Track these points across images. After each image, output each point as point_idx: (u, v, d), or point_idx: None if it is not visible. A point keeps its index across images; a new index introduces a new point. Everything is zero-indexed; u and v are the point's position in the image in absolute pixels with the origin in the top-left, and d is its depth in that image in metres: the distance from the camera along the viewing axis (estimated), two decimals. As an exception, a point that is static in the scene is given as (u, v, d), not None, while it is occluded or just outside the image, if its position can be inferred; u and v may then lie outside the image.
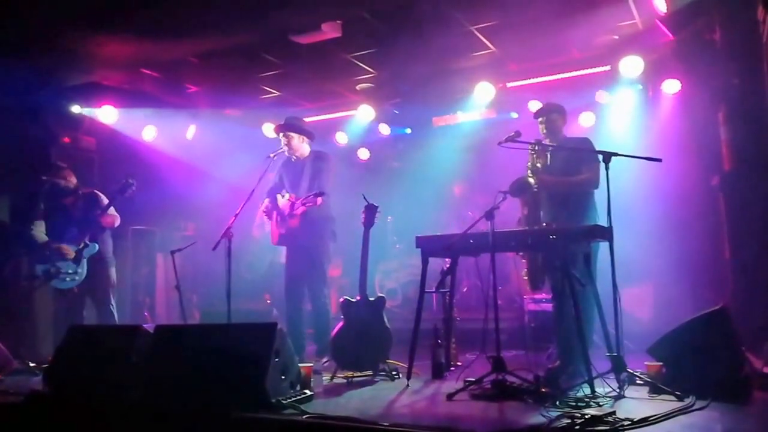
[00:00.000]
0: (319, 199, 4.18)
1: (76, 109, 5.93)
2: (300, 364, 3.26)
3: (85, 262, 4.61)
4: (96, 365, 3.24)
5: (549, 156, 3.80)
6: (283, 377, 2.99)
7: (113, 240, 4.94)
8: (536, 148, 3.74)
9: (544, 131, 3.86)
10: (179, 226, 7.07)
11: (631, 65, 5.30)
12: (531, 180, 3.67)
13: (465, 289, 6.01)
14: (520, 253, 3.76)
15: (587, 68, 5.66)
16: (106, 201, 4.75)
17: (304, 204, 4.20)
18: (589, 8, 4.54)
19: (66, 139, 5.80)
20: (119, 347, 3.28)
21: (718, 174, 5.04)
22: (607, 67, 5.52)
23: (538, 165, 3.74)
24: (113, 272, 4.85)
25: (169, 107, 6.41)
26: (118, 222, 4.83)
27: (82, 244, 4.60)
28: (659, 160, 3.29)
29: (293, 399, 2.94)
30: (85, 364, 3.29)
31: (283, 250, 4.66)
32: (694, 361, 3.11)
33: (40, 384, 3.47)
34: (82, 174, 5.68)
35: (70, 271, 4.58)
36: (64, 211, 4.74)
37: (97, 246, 4.65)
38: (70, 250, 4.59)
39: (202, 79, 6.04)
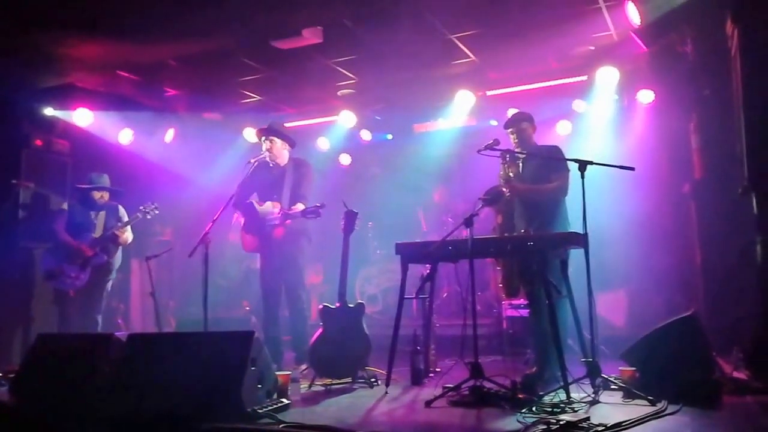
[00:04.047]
0: (298, 211, 4.17)
1: (49, 111, 5.80)
2: (277, 373, 3.24)
3: (89, 270, 4.81)
4: (65, 375, 3.15)
5: (521, 165, 3.86)
6: (259, 386, 2.96)
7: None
8: (507, 157, 3.80)
9: (515, 141, 3.91)
10: (155, 231, 6.95)
11: (607, 76, 5.41)
12: (504, 189, 3.72)
13: (445, 295, 6.04)
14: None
15: (565, 78, 5.75)
16: (126, 217, 5.03)
17: (304, 215, 4.14)
18: (566, 19, 4.60)
19: (38, 142, 5.67)
20: (90, 356, 3.20)
21: (689, 182, 5.18)
22: (584, 77, 5.62)
23: (510, 174, 3.79)
24: (110, 285, 5.05)
25: (146, 110, 6.32)
26: (130, 240, 5.08)
27: (93, 253, 4.81)
28: (632, 169, 3.37)
29: (269, 408, 2.92)
30: (53, 374, 3.19)
31: (258, 256, 4.61)
32: (665, 366, 3.19)
33: (6, 395, 3.37)
34: (54, 178, 5.63)
35: (72, 275, 4.77)
36: (85, 218, 4.96)
37: (105, 257, 4.87)
38: (88, 250, 4.79)
39: (181, 82, 5.95)
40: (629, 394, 3.09)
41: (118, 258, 5.07)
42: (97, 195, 5.00)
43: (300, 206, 4.25)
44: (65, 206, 5.03)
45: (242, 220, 4.49)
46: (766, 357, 3.41)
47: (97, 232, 4.92)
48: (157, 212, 5.06)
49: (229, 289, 6.77)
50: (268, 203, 4.34)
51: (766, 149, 3.56)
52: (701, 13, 4.37)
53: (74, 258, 4.80)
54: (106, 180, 5.10)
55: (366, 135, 7.09)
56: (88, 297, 4.88)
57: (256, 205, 4.39)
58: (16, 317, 5.34)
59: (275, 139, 4.46)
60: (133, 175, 6.18)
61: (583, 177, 3.34)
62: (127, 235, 5.02)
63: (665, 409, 2.84)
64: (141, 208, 5.02)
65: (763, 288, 3.59)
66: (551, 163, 3.73)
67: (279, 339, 4.37)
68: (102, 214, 5.00)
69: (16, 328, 5.33)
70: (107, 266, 4.94)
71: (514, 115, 4.10)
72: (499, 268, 3.81)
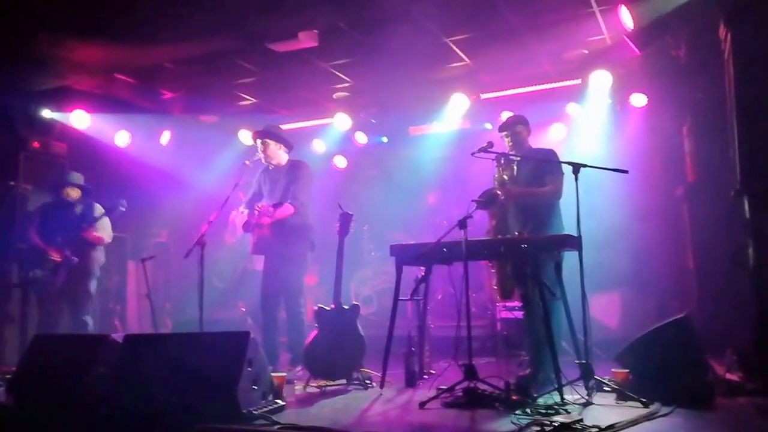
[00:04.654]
0: (282, 210, 4.17)
1: (47, 113, 5.82)
2: (273, 374, 3.25)
3: (62, 273, 4.63)
4: (61, 376, 3.16)
5: (515, 168, 3.88)
6: (254, 387, 2.97)
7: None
8: (502, 161, 3.82)
9: (510, 144, 3.94)
10: (152, 232, 6.99)
11: (601, 79, 5.46)
12: (498, 192, 3.74)
13: (439, 297, 6.05)
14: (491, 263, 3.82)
15: (558, 81, 5.80)
16: (98, 215, 4.79)
17: (263, 215, 4.19)
18: (560, 23, 4.66)
19: (36, 144, 5.69)
20: (86, 357, 3.21)
21: (683, 185, 5.22)
22: (578, 81, 5.66)
23: (505, 177, 3.82)
24: (93, 285, 4.87)
25: (143, 113, 6.34)
26: (107, 239, 4.86)
27: (63, 256, 4.62)
28: (626, 172, 3.40)
29: (265, 409, 2.93)
30: (50, 375, 3.20)
31: (256, 257, 4.63)
32: (658, 368, 3.20)
33: (3, 395, 3.38)
34: (51, 180, 5.59)
35: (46, 280, 4.60)
36: (56, 219, 4.78)
37: (75, 259, 4.65)
38: (56, 255, 4.62)
39: (177, 84, 5.98)
40: (622, 396, 3.10)
41: (97, 257, 4.86)
42: (69, 192, 4.79)
43: (289, 207, 4.27)
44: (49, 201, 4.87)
45: (240, 223, 4.52)
46: (759, 359, 3.43)
47: (68, 234, 4.68)
48: (123, 209, 4.77)
49: (225, 291, 6.79)
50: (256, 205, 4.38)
51: (759, 152, 3.58)
52: (694, 16, 4.41)
53: (45, 262, 4.63)
54: (75, 177, 4.90)
55: (361, 138, 7.13)
56: (72, 300, 4.73)
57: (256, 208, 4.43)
58: (13, 318, 5.34)
59: (269, 141, 4.48)
60: (130, 177, 6.20)
61: (576, 180, 3.36)
62: (99, 234, 4.77)
63: (658, 411, 2.86)
64: (106, 206, 4.79)
65: (756, 290, 3.62)
66: (545, 167, 3.75)
67: (276, 341, 4.38)
68: (75, 213, 4.77)
69: (13, 329, 5.33)
70: (85, 267, 4.73)
71: (508, 118, 4.12)
72: (493, 270, 3.83)
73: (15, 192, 5.38)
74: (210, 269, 6.50)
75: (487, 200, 3.57)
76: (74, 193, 4.84)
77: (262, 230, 4.31)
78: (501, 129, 4.01)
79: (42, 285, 4.64)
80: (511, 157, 3.84)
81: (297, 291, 4.36)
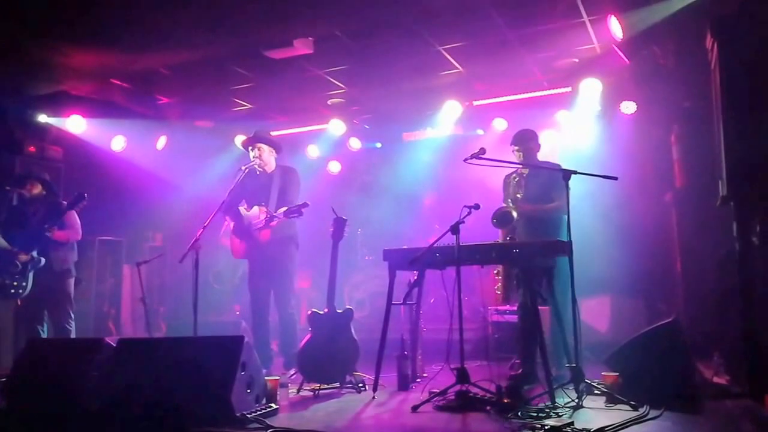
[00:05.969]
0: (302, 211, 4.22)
1: (43, 118, 5.84)
2: (266, 377, 3.28)
3: (30, 275, 4.40)
4: (55, 379, 3.17)
5: (525, 184, 3.99)
6: (248, 391, 3.00)
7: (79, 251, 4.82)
8: (516, 179, 3.96)
9: (521, 158, 4.05)
10: (147, 236, 7.00)
11: (590, 87, 5.54)
12: (513, 213, 3.84)
13: (432, 300, 6.09)
14: (495, 269, 3.91)
15: (549, 89, 5.88)
16: (62, 212, 4.53)
17: (287, 216, 4.19)
18: (551, 32, 4.73)
19: (32, 149, 5.68)
20: (80, 361, 3.22)
21: (671, 190, 5.30)
22: (568, 89, 5.74)
23: (518, 195, 3.93)
24: (71, 284, 4.65)
25: (139, 118, 6.36)
26: (75, 237, 4.62)
27: (29, 257, 4.39)
28: (615, 178, 3.45)
29: (258, 413, 2.95)
30: (44, 378, 3.21)
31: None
32: (647, 372, 3.25)
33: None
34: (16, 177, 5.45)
35: (15, 284, 4.36)
36: (22, 219, 4.60)
37: (42, 260, 4.43)
38: (23, 257, 4.38)
39: (173, 90, 6.00)
40: (612, 399, 3.14)
41: (67, 256, 4.62)
42: (30, 189, 4.60)
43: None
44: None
45: (232, 226, 4.54)
46: (745, 363, 3.49)
47: (33, 234, 4.45)
48: (85, 202, 4.49)
49: (222, 294, 6.80)
50: (255, 208, 4.39)
51: (744, 159, 3.65)
52: (682, 27, 4.49)
53: (13, 266, 4.35)
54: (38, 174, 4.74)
55: (355, 143, 7.18)
56: (51, 303, 4.55)
57: (243, 211, 4.45)
58: (7, 322, 5.32)
59: (263, 146, 4.52)
60: (125, 181, 6.22)
61: (567, 186, 3.42)
62: (66, 231, 4.55)
63: (647, 414, 2.91)
64: (64, 202, 4.56)
65: (742, 294, 3.68)
66: (553, 183, 3.84)
67: (268, 343, 4.41)
68: (39, 212, 4.57)
69: (7, 333, 5.31)
70: (57, 267, 4.51)
71: (521, 133, 4.20)
72: (498, 277, 3.91)
73: (11, 196, 5.36)
74: (208, 271, 6.53)
75: (501, 220, 3.68)
76: (35, 190, 4.60)
77: (264, 233, 4.32)
78: (513, 143, 4.12)
79: (10, 291, 4.36)
80: (520, 169, 3.94)
81: (287, 290, 4.39)
